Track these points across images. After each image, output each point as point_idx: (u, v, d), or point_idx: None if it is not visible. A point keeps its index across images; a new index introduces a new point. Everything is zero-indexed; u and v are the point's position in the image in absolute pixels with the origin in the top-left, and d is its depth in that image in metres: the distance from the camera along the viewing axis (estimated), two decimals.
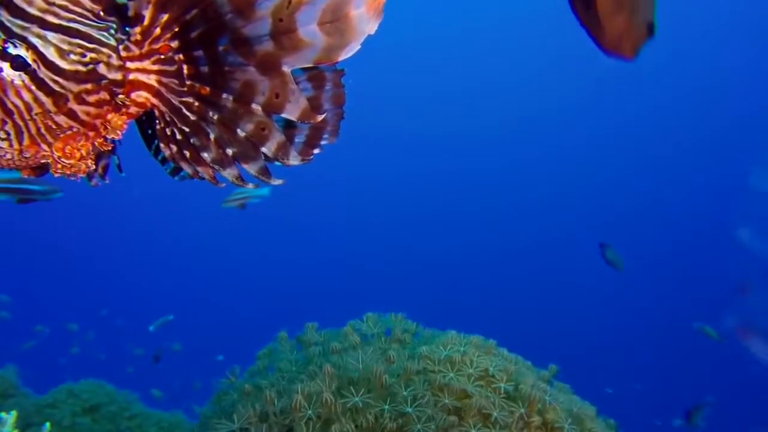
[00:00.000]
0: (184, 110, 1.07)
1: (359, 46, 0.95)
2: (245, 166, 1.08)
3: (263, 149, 1.06)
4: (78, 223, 18.47)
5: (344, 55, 0.96)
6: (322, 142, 1.20)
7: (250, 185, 1.10)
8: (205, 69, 1.03)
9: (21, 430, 1.83)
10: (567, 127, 22.07)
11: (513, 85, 22.18)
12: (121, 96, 1.05)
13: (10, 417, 1.75)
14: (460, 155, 22.48)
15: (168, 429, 3.49)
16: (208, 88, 1.04)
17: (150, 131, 1.29)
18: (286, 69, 0.99)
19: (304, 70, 1.15)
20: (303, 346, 2.20)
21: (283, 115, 1.02)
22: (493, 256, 20.38)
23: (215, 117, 1.05)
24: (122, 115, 1.08)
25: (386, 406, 1.71)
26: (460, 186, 22.35)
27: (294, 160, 1.09)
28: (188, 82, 1.05)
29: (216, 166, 1.09)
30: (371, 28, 0.94)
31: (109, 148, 1.12)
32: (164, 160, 1.30)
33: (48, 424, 1.84)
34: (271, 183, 1.10)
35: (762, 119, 18.85)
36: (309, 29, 0.95)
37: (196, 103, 1.06)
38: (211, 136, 1.07)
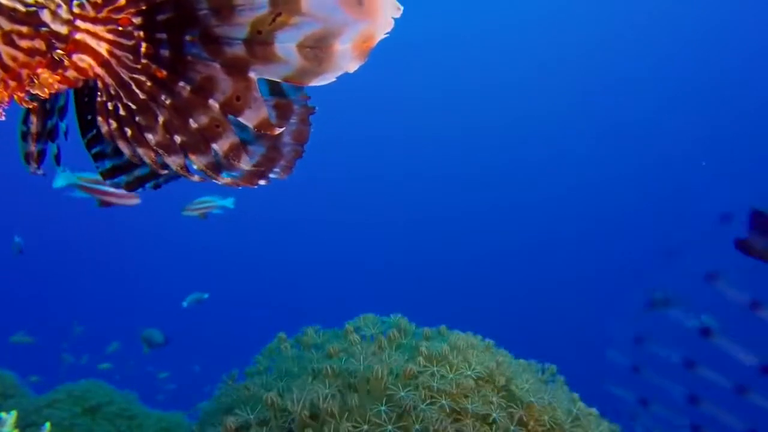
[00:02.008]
0: (134, 87, 1.00)
1: (334, 79, 0.92)
2: (193, 157, 1.02)
3: (214, 146, 1.01)
4: (77, 223, 18.48)
5: (316, 83, 0.93)
6: (272, 175, 1.13)
7: (196, 177, 1.05)
8: (165, 53, 0.98)
9: (21, 430, 1.83)
10: (567, 127, 22.06)
11: (511, 86, 22.17)
12: (59, 51, 0.97)
13: (10, 417, 1.75)
14: (460, 155, 22.48)
15: (168, 429, 3.49)
16: (165, 72, 0.99)
17: (90, 117, 1.21)
18: (253, 76, 0.96)
19: (273, 94, 1.11)
20: (302, 346, 2.21)
21: (240, 119, 0.98)
22: (492, 256, 20.38)
23: (168, 101, 1.00)
24: (56, 74, 0.99)
25: (385, 407, 1.72)
26: (459, 186, 22.35)
27: (245, 165, 1.03)
28: (144, 61, 0.99)
29: (160, 150, 1.02)
30: (351, 67, 0.91)
31: (34, 106, 1.03)
32: (98, 156, 1.23)
33: (48, 424, 1.84)
34: (218, 181, 1.05)
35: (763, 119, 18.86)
36: (286, 47, 0.92)
37: (149, 83, 1.00)
38: (160, 119, 1.01)
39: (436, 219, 21.56)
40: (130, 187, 1.20)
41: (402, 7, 0.85)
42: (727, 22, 18.89)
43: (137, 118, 1.01)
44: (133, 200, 3.32)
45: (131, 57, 0.99)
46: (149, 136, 1.01)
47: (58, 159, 1.19)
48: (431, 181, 22.33)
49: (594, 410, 2.17)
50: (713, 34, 19.39)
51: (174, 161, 1.02)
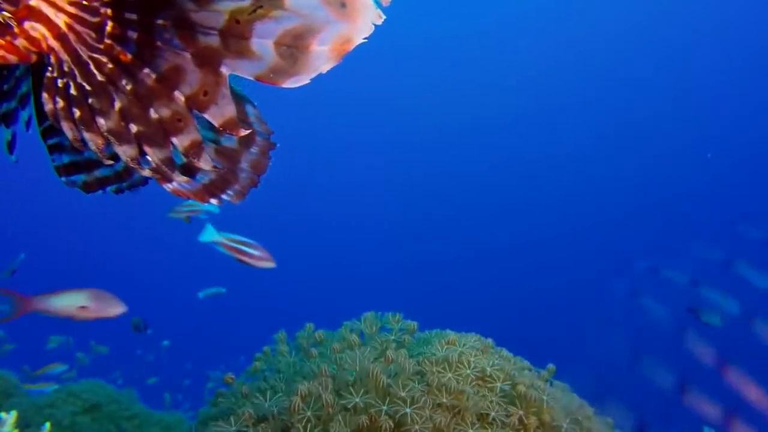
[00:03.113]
0: (92, 67, 0.92)
1: (307, 81, 0.89)
2: (148, 150, 0.95)
3: (174, 140, 0.95)
4: (76, 223, 18.48)
5: (289, 84, 0.89)
6: (223, 196, 1.08)
7: (146, 171, 0.98)
8: (133, 35, 0.92)
9: (21, 430, 1.83)
10: (567, 126, 22.05)
11: (512, 85, 22.15)
12: (6, 14, 0.89)
13: (10, 417, 1.75)
14: (459, 155, 22.47)
15: (168, 429, 3.50)
16: (129, 56, 0.92)
17: None
18: (225, 71, 0.91)
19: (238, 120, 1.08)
20: (300, 346, 2.21)
21: (205, 116, 0.93)
22: (491, 256, 20.39)
23: (129, 87, 0.93)
24: (2, 41, 0.91)
25: (384, 407, 1.72)
26: (460, 186, 22.35)
27: (205, 164, 0.97)
28: (108, 41, 0.92)
29: (111, 138, 0.94)
30: (326, 68, 0.88)
31: None
32: (54, 149, 1.14)
33: (48, 424, 1.84)
34: (175, 179, 0.99)
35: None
36: (262, 43, 0.87)
37: (111, 66, 0.92)
38: (117, 105, 0.93)
39: (436, 219, 21.57)
40: (89, 188, 1.12)
41: (384, 16, 0.84)
42: (729, 21, 18.86)
43: (90, 100, 0.93)
44: (269, 263, 3.39)
45: (94, 35, 0.92)
46: (101, 121, 0.94)
47: (11, 146, 1.10)
48: (431, 181, 22.34)
49: (593, 410, 2.17)
50: (715, 33, 19.37)
51: (125, 151, 0.95)
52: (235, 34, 0.88)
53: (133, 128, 0.93)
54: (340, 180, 22.28)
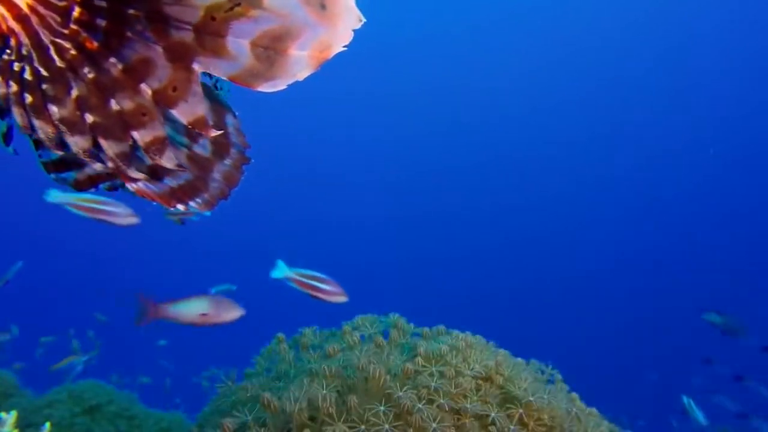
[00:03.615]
0: (52, 52, 0.88)
1: (284, 87, 0.86)
2: (103, 142, 0.91)
3: (134, 134, 0.90)
4: (72, 225, 18.48)
5: (264, 88, 0.86)
6: (191, 203, 1.04)
7: (98, 166, 0.94)
8: (101, 23, 0.87)
9: (21, 430, 1.83)
10: (565, 125, 22.05)
11: (513, 84, 22.15)
12: None
13: (10, 417, 1.75)
14: (461, 154, 22.47)
15: (168, 429, 3.50)
16: (96, 44, 0.88)
17: None
18: (197, 68, 0.87)
19: (216, 129, 1.03)
20: (300, 347, 2.21)
21: (173, 112, 0.89)
22: (490, 256, 20.39)
23: (90, 76, 0.88)
24: None
25: (383, 407, 1.72)
26: (460, 185, 22.35)
27: (168, 162, 0.93)
28: (74, 27, 0.87)
29: (63, 127, 0.89)
30: (303, 74, 0.85)
31: None
32: (39, 143, 1.06)
33: (48, 424, 1.84)
34: (131, 175, 0.95)
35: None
36: (238, 42, 0.84)
37: (73, 52, 0.88)
38: (73, 93, 0.89)
39: (437, 219, 21.57)
40: (80, 185, 1.08)
41: (364, 19, 0.81)
42: (731, 20, 18.86)
43: (44, 86, 0.89)
44: (342, 298, 3.39)
45: (59, 19, 0.87)
46: (53, 109, 0.89)
47: (6, 138, 1.06)
48: (431, 181, 22.33)
49: (594, 410, 2.18)
50: (715, 33, 19.36)
51: (76, 142, 0.90)
52: (211, 32, 0.84)
53: (89, 118, 0.89)
54: (340, 179, 22.27)
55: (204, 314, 2.36)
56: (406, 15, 20.83)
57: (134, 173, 0.95)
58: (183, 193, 1.03)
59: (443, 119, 22.44)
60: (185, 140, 1.03)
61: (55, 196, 3.01)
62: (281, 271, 3.24)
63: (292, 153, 21.98)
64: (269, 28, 0.83)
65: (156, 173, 0.99)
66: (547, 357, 2.39)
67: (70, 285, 17.82)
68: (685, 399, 5.10)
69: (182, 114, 0.89)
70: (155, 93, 0.88)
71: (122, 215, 3.15)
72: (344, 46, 0.83)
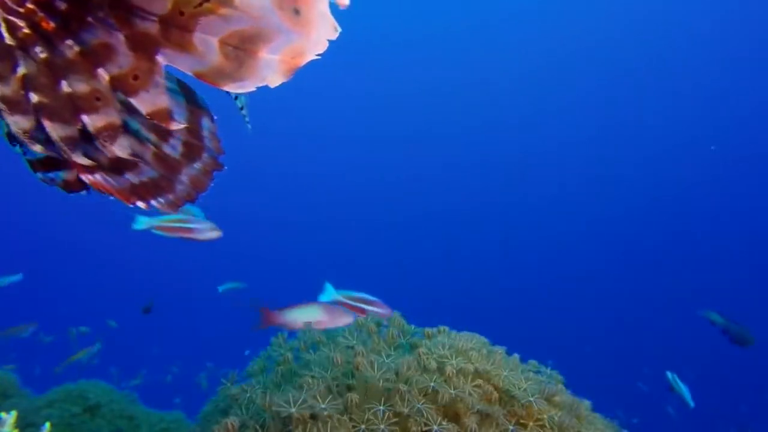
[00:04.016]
0: (2, 28, 0.84)
1: (253, 89, 0.84)
2: (48, 124, 0.86)
3: (84, 118, 0.87)
4: (71, 223, 18.48)
5: (232, 88, 0.83)
6: (153, 201, 1.00)
7: (38, 147, 0.90)
8: (61, 5, 0.84)
9: (21, 430, 1.83)
10: (565, 124, 22.05)
11: (514, 83, 22.14)
12: None
13: (10, 417, 1.75)
14: (462, 154, 22.47)
15: (167, 429, 3.50)
16: (53, 24, 0.84)
17: None
18: (162, 61, 0.84)
19: (189, 133, 1.00)
20: (300, 347, 2.21)
21: (132, 101, 0.86)
22: (489, 255, 20.39)
23: (42, 56, 0.84)
24: None
25: (383, 407, 1.72)
26: (461, 185, 22.34)
27: (119, 150, 0.90)
28: (30, 6, 0.84)
29: (2, 105, 0.86)
30: (274, 81, 0.82)
31: None
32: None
33: (48, 424, 1.84)
34: (74, 160, 0.91)
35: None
36: (207, 39, 0.81)
37: (26, 31, 0.84)
38: (20, 70, 0.85)
39: (437, 219, 21.57)
40: (70, 186, 1.03)
41: (340, 29, 0.79)
42: (731, 20, 18.85)
43: None
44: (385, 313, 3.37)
45: None
46: None
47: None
48: (432, 180, 22.33)
49: (592, 410, 2.18)
50: (716, 32, 19.35)
51: (17, 122, 0.86)
52: (178, 25, 0.82)
53: (34, 98, 0.85)
54: (339, 179, 22.28)
55: (318, 321, 2.38)
56: (407, 14, 20.83)
57: (80, 159, 0.90)
58: (145, 191, 0.99)
59: (443, 119, 22.43)
60: (153, 138, 0.99)
61: (142, 222, 3.05)
62: (329, 294, 3.26)
63: (291, 152, 21.98)
64: (240, 29, 0.81)
65: (117, 167, 0.95)
66: (546, 356, 2.39)
67: (74, 285, 17.82)
68: (669, 375, 5.07)
69: (142, 103, 0.86)
70: (114, 79, 0.85)
71: (206, 230, 3.21)
72: (318, 55, 0.81)
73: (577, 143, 21.80)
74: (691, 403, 4.91)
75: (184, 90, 0.99)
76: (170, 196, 1.01)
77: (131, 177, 0.97)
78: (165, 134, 0.98)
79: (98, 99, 0.86)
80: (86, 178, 0.94)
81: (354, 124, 22.60)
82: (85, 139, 0.90)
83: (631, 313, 17.16)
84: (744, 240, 19.02)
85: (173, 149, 1.00)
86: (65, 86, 0.85)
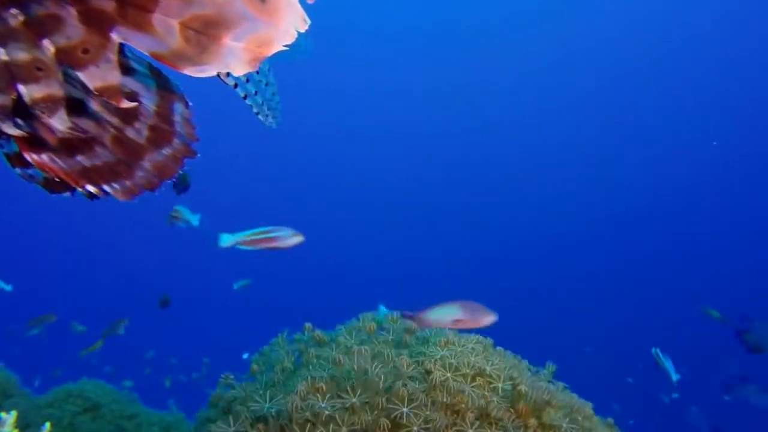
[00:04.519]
0: None
1: (213, 73, 0.81)
2: None
3: (21, 87, 0.82)
4: (67, 221, 18.48)
5: (192, 72, 0.80)
6: (106, 187, 0.93)
7: None
8: None
9: (21, 430, 1.83)
10: (565, 123, 22.03)
11: (515, 82, 22.13)
12: None
13: (10, 417, 1.75)
14: (462, 153, 22.45)
15: (167, 429, 3.50)
16: None
17: None
18: (116, 38, 0.80)
19: (157, 115, 0.95)
20: (299, 347, 2.21)
21: (79, 74, 0.82)
22: (489, 255, 20.38)
23: None
24: None
25: (383, 407, 1.72)
26: (461, 184, 22.33)
27: (59, 124, 0.85)
28: None
29: None
30: (238, 69, 0.79)
31: None
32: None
33: (48, 424, 1.84)
34: (4, 130, 0.86)
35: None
36: (167, 21, 0.78)
37: None
38: None
39: (437, 218, 21.56)
40: (52, 186, 0.98)
41: (309, 22, 0.77)
42: (732, 19, 18.83)
43: None
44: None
45: None
46: None
47: None
48: (432, 180, 22.31)
49: (591, 408, 2.18)
50: (717, 31, 19.33)
51: None
52: (135, 4, 0.78)
53: None
54: (339, 178, 22.27)
55: (458, 320, 2.34)
56: (408, 14, 20.83)
57: (10, 129, 0.86)
58: (98, 175, 0.93)
59: (441, 119, 22.42)
60: (115, 121, 0.94)
61: (226, 240, 3.06)
62: (383, 312, 3.27)
63: (296, 152, 21.98)
64: (202, 13, 0.77)
65: (69, 149, 0.90)
66: (547, 357, 2.39)
67: (71, 284, 17.82)
68: (653, 351, 5.04)
69: (90, 78, 0.82)
70: (60, 50, 0.81)
71: (289, 237, 3.22)
72: (285, 46, 0.79)
73: (577, 142, 21.79)
74: (675, 376, 4.89)
75: (155, 75, 0.95)
76: (127, 183, 0.96)
77: (83, 160, 0.92)
78: (129, 118, 0.94)
79: (39, 69, 0.82)
80: (31, 157, 0.89)
81: (353, 123, 22.59)
82: (28, 114, 0.85)
83: (633, 313, 17.15)
84: (747, 238, 19.00)
85: (138, 133, 0.95)
86: (2, 54, 0.80)
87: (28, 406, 3.27)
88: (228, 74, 1.12)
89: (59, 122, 0.86)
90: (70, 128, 0.88)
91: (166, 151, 0.97)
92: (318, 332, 2.27)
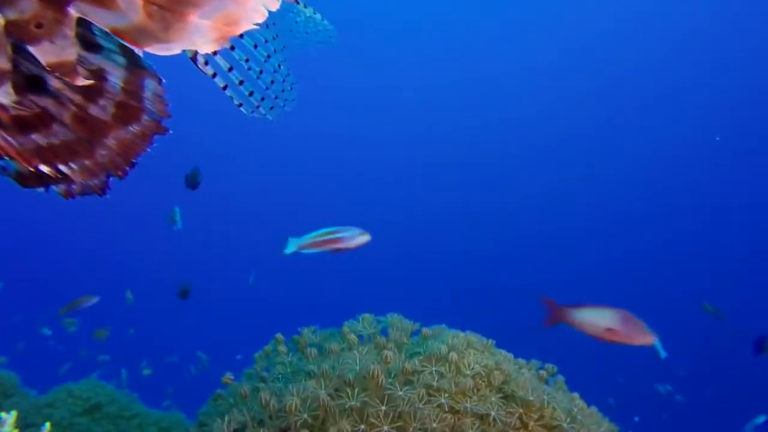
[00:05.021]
0: None
1: (178, 52, 0.78)
2: None
3: None
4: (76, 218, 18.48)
5: (155, 50, 0.77)
6: (62, 167, 0.89)
7: None
8: None
9: (21, 430, 1.83)
10: (570, 123, 22.03)
11: (516, 81, 22.12)
12: None
13: (10, 417, 1.75)
14: (463, 152, 22.44)
15: (167, 429, 3.50)
16: None
17: None
18: (74, 12, 0.77)
19: (125, 91, 0.91)
20: (299, 347, 2.21)
21: (31, 49, 0.79)
22: (492, 255, 20.37)
23: None
24: None
25: (383, 407, 1.71)
26: (460, 185, 22.32)
27: (4, 98, 0.82)
28: None
29: None
30: (205, 47, 0.77)
31: None
32: None
33: (48, 424, 1.84)
34: None
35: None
36: None
37: None
38: None
39: (436, 218, 21.55)
40: (25, 180, 0.94)
41: (279, 3, 0.76)
42: (732, 19, 18.81)
43: None
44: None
45: None
46: None
47: None
48: (432, 179, 22.32)
49: (594, 409, 2.18)
50: (718, 30, 19.31)
51: None
52: None
53: None
54: (339, 177, 22.27)
55: (611, 329, 2.15)
56: (409, 14, 20.83)
57: None
58: (53, 154, 0.88)
59: (440, 118, 22.42)
60: (77, 98, 0.90)
61: (293, 244, 3.03)
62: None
63: (295, 151, 21.98)
64: None
65: (22, 126, 0.86)
66: (547, 357, 2.39)
67: (67, 283, 17.80)
68: None
69: (43, 54, 0.79)
70: (10, 23, 0.78)
71: (355, 237, 3.16)
72: (256, 24, 0.77)
73: (577, 141, 21.79)
74: (663, 353, 4.89)
75: (125, 51, 0.92)
76: (86, 162, 0.90)
77: (38, 138, 0.87)
78: (93, 95, 0.89)
79: None
80: None
81: (353, 123, 22.59)
82: None
83: (634, 312, 17.12)
84: (749, 237, 18.97)
85: (102, 111, 0.91)
86: None
87: (28, 406, 3.27)
88: (207, 63, 1.07)
89: (4, 96, 0.82)
90: (16, 102, 0.83)
91: (134, 128, 0.92)
92: (318, 332, 2.26)
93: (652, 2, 19.27)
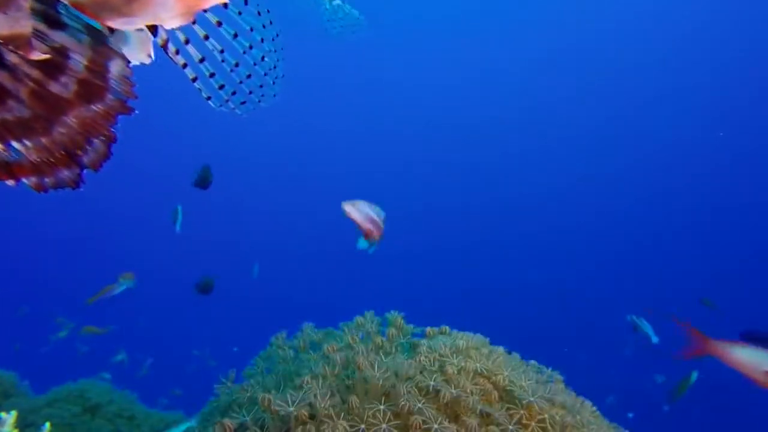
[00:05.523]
0: None
1: (141, 26, 0.73)
2: None
3: None
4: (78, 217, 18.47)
5: (117, 24, 0.73)
6: (15, 143, 0.84)
7: None
8: None
9: (21, 430, 1.83)
10: (570, 122, 22.02)
11: (516, 80, 22.12)
12: None
13: (10, 417, 1.75)
14: (463, 152, 22.45)
15: (168, 429, 3.50)
16: None
17: None
18: None
19: (89, 69, 0.87)
20: (299, 347, 2.21)
21: None
22: (490, 255, 20.38)
23: None
24: None
25: (383, 406, 1.71)
26: (462, 183, 22.33)
27: None
28: None
29: None
30: (171, 22, 0.73)
31: None
32: None
33: (48, 424, 1.84)
34: None
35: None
36: None
37: None
38: None
39: (437, 217, 21.55)
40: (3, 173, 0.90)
41: None
42: (733, 18, 18.81)
43: None
44: None
45: None
46: None
47: None
48: (432, 179, 22.32)
49: (594, 410, 2.17)
50: (718, 30, 19.30)
51: None
52: None
53: None
54: (338, 176, 22.27)
55: None
56: (410, 13, 20.82)
57: None
58: (6, 131, 0.83)
59: (439, 118, 22.42)
60: (36, 74, 0.86)
61: (364, 243, 3.03)
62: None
63: (296, 151, 21.97)
64: None
65: None
66: (547, 357, 2.39)
67: (62, 281, 17.81)
68: (629, 317, 5.04)
69: None
70: None
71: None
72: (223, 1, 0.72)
73: (578, 140, 21.79)
74: (655, 338, 4.90)
75: (90, 31, 0.89)
76: (42, 139, 0.85)
77: None
78: (53, 71, 0.85)
79: None
80: None
81: (357, 122, 22.59)
82: None
83: (634, 311, 17.13)
84: (750, 237, 18.97)
85: (64, 88, 0.86)
86: None
87: (28, 406, 3.27)
88: (177, 52, 1.03)
89: None
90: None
91: (97, 107, 0.88)
92: (318, 331, 2.26)
93: (653, 1, 19.26)
